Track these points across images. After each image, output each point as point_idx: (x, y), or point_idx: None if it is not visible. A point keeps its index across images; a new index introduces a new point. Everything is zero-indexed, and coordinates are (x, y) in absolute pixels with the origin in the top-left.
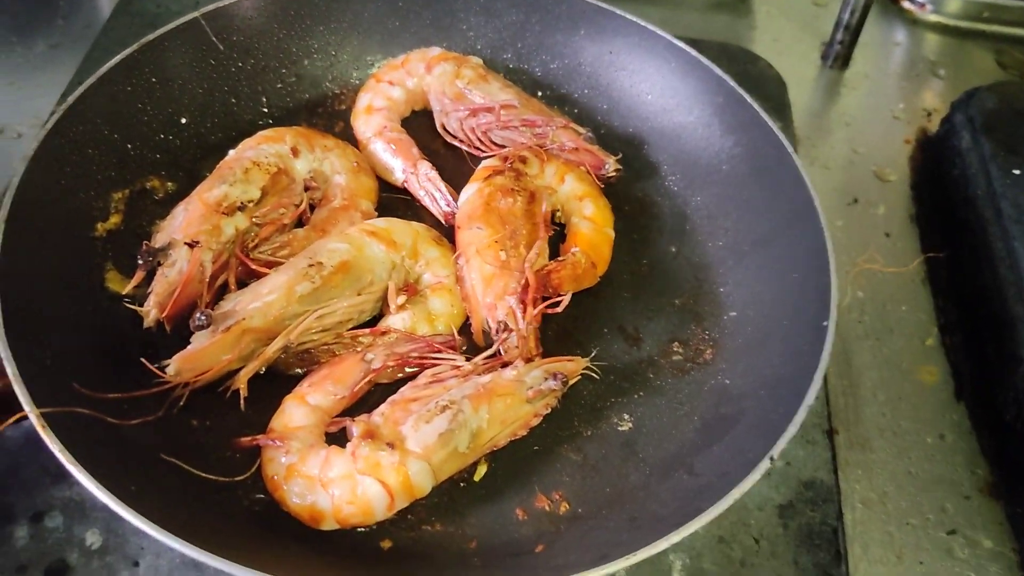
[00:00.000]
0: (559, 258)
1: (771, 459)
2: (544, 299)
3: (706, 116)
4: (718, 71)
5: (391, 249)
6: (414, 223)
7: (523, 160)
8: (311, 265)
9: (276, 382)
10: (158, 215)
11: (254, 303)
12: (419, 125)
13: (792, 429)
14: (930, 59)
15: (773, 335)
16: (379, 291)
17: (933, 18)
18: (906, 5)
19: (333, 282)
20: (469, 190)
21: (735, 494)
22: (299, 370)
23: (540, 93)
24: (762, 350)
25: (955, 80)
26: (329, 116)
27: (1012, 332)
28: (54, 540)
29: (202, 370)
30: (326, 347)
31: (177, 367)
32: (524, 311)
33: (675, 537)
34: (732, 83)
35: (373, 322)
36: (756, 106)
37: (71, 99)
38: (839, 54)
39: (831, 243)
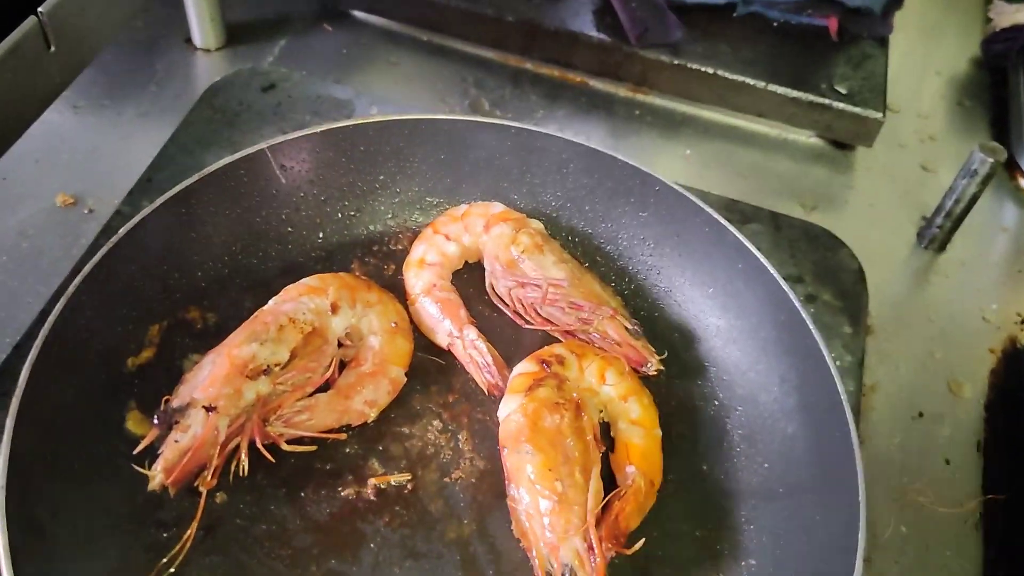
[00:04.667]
0: (620, 491)
1: None
2: None
3: (765, 329)
4: (785, 286)
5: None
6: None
7: (560, 361)
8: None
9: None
10: (192, 349)
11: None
12: (471, 278)
13: None
14: None
15: None
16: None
17: None
18: (1023, 183)
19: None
20: (510, 404)
21: None
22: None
23: (599, 259)
24: None
25: None
26: (383, 256)
27: None
28: None
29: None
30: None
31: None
32: (591, 554)
33: None
34: (797, 303)
35: None
36: (818, 336)
37: (122, 231)
38: (935, 237)
39: (864, 512)
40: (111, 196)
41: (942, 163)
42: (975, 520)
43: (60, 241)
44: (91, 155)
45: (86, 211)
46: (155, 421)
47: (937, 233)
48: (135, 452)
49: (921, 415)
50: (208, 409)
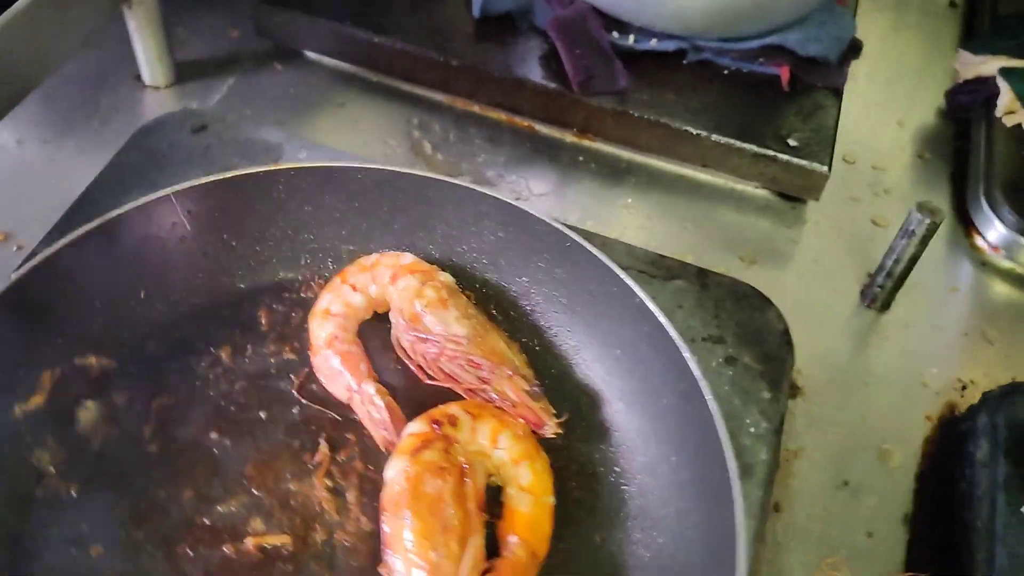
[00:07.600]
0: (495, 564)
1: None
2: None
3: (667, 396)
4: (687, 354)
5: None
6: None
7: (453, 422)
8: None
9: None
10: (86, 395)
11: None
12: (382, 328)
13: None
14: (987, 316)
15: None
16: None
17: (1006, 265)
18: (978, 242)
19: None
20: (395, 467)
21: None
22: None
23: (513, 313)
24: None
25: (1010, 350)
26: (292, 303)
27: None
28: None
29: None
30: None
31: None
32: None
33: None
34: (697, 373)
35: None
36: (715, 410)
37: (23, 270)
38: (877, 296)
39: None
40: (42, 233)
41: (895, 218)
42: None
43: None
44: (27, 191)
45: (15, 248)
46: None
47: (879, 292)
48: None
49: (846, 484)
50: None
